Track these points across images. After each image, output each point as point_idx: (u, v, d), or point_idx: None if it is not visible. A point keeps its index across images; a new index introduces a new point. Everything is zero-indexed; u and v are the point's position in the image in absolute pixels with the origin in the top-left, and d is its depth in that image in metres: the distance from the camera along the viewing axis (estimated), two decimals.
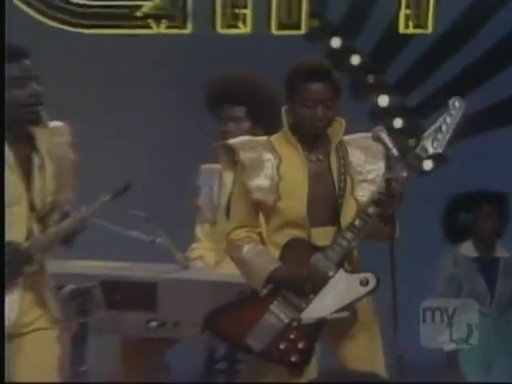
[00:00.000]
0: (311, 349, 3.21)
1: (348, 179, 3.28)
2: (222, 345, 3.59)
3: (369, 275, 3.24)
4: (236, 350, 3.46)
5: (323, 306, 3.23)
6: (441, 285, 5.09)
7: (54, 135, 3.16)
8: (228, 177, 3.88)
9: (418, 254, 4.83)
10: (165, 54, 5.74)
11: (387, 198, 3.16)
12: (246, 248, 3.25)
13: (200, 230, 4.06)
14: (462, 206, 5.10)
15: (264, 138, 3.37)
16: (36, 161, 3.07)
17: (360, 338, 3.29)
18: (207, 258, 4.00)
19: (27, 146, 3.09)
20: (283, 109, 3.32)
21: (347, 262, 3.25)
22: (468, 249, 5.08)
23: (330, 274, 3.21)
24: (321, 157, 3.31)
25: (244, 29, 5.73)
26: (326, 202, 3.28)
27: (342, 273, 3.23)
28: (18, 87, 3.01)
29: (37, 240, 3.05)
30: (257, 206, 3.27)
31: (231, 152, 3.36)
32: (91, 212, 3.11)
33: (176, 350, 3.93)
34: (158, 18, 5.28)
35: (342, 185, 3.30)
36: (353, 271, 3.26)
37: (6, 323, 2.97)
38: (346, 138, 3.34)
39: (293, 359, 3.16)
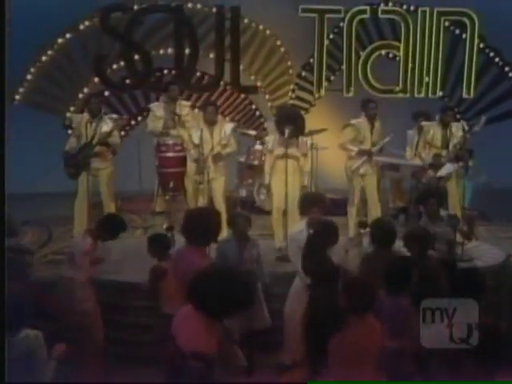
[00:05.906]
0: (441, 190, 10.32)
1: (453, 135, 10.21)
2: None
3: (460, 164, 10.24)
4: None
5: (443, 171, 10.04)
6: None
7: None
8: (415, 135, 10.84)
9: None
10: None
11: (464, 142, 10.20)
12: (423, 154, 10.48)
13: (409, 151, 11.03)
14: None
15: (431, 122, 10.63)
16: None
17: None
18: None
19: None
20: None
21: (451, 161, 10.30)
22: None
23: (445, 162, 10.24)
24: (445, 129, 10.28)
25: None
26: (445, 141, 10.25)
27: (449, 163, 10.14)
28: None
29: None
30: (427, 143, 10.44)
31: (422, 129, 10.55)
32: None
33: None
34: None
35: (449, 136, 10.23)
36: (453, 163, 10.22)
37: None
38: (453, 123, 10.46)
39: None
